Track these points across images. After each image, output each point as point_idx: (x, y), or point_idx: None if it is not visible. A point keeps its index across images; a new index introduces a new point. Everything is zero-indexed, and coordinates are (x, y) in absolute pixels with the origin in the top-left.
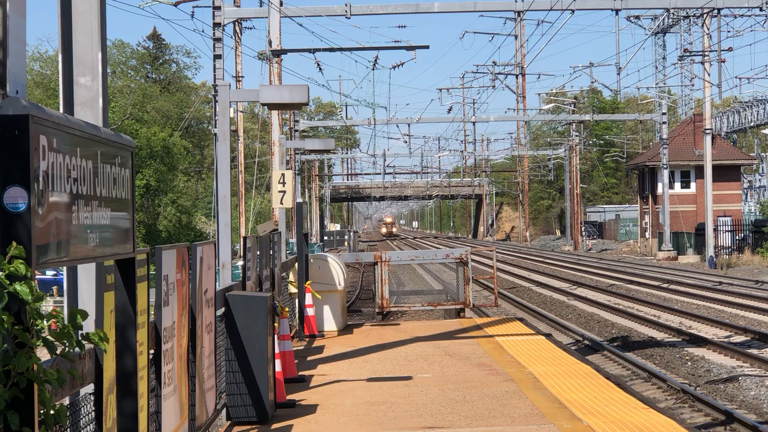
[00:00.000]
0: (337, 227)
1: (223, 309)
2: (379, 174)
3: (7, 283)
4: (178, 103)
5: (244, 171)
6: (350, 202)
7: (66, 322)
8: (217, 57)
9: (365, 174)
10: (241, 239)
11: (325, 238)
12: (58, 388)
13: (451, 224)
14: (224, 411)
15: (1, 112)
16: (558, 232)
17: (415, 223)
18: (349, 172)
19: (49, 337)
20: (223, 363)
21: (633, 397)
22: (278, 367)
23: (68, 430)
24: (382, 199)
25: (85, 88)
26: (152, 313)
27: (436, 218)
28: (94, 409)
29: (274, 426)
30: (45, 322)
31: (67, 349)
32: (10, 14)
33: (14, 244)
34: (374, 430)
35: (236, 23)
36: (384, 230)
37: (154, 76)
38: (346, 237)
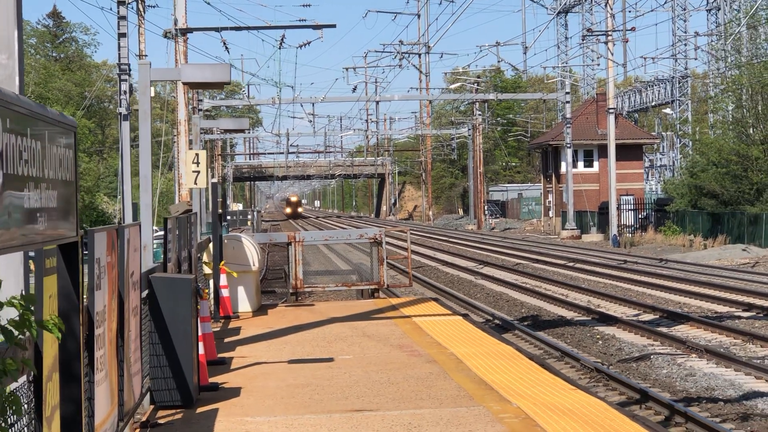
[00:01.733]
0: (240, 207)
1: (146, 291)
2: (283, 153)
3: None
4: (80, 82)
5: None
6: (253, 182)
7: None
8: (121, 35)
9: (268, 153)
10: (163, 220)
11: (228, 218)
12: (17, 378)
13: (354, 203)
14: (148, 396)
15: None
16: (461, 211)
17: (317, 203)
18: (252, 152)
19: (8, 326)
20: (146, 347)
21: (558, 377)
22: (201, 350)
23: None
24: (285, 178)
25: (2, 66)
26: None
27: (339, 197)
28: (33, 398)
29: (200, 410)
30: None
31: (23, 337)
32: None
33: None
34: (301, 413)
35: (140, 1)
36: (288, 210)
37: (54, 54)
38: (249, 217)
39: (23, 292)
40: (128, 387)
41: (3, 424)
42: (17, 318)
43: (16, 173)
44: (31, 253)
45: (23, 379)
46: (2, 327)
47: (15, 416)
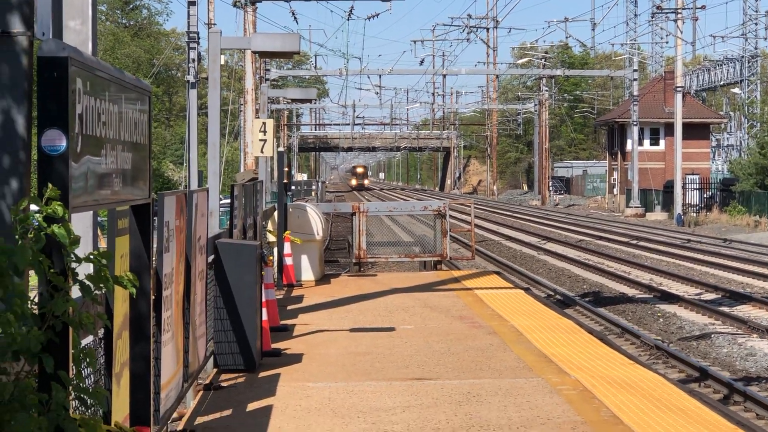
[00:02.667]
0: (304, 177)
1: (212, 257)
2: (348, 125)
3: (45, 225)
4: (149, 49)
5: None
6: (318, 153)
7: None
8: (191, 3)
9: (334, 124)
10: (230, 187)
11: (293, 188)
12: (92, 332)
13: (418, 177)
14: (211, 359)
15: (42, 54)
16: (525, 187)
17: (381, 175)
18: (318, 122)
19: (86, 281)
20: (210, 311)
21: (617, 352)
22: (264, 316)
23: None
24: (350, 149)
25: (75, 32)
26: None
27: (403, 170)
28: (104, 353)
29: (262, 374)
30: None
31: (100, 292)
32: None
33: (50, 185)
34: (361, 380)
35: None
36: (354, 182)
37: (124, 21)
38: (313, 187)
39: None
40: (193, 349)
41: (77, 375)
42: (93, 274)
43: (94, 135)
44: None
45: (87, 339)
46: (80, 281)
47: (89, 369)
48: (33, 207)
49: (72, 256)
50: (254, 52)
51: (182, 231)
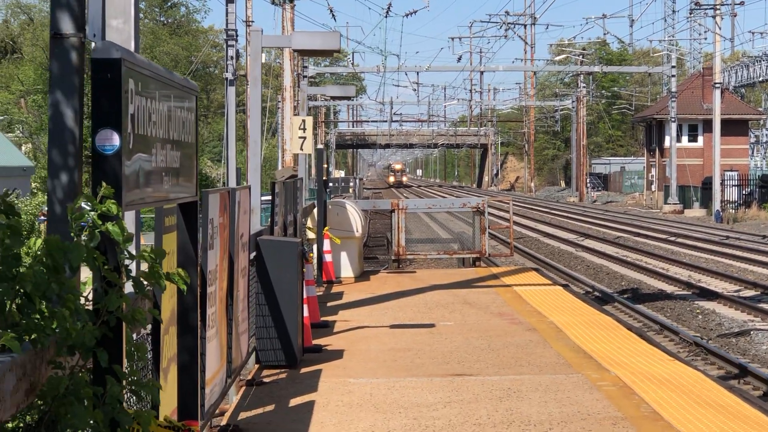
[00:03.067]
0: (342, 174)
1: (254, 253)
2: (386, 121)
3: (99, 222)
4: (187, 46)
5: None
6: (355, 149)
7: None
8: (229, 1)
9: (372, 121)
10: (270, 184)
11: (330, 184)
12: (145, 326)
13: (455, 173)
14: (253, 355)
15: (96, 55)
16: (563, 183)
17: (419, 172)
18: (355, 119)
19: (140, 277)
20: (253, 307)
21: (657, 348)
22: (305, 313)
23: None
24: (387, 146)
25: (117, 31)
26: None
27: (441, 167)
28: (151, 348)
29: (303, 370)
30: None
31: (152, 288)
32: None
33: (104, 184)
34: (402, 376)
35: None
36: (392, 179)
37: (163, 19)
38: (351, 184)
39: (136, 249)
40: (236, 345)
41: (130, 369)
42: (147, 270)
43: (145, 134)
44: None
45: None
46: (134, 278)
47: (140, 362)
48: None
49: (125, 253)
50: (295, 51)
51: (226, 228)
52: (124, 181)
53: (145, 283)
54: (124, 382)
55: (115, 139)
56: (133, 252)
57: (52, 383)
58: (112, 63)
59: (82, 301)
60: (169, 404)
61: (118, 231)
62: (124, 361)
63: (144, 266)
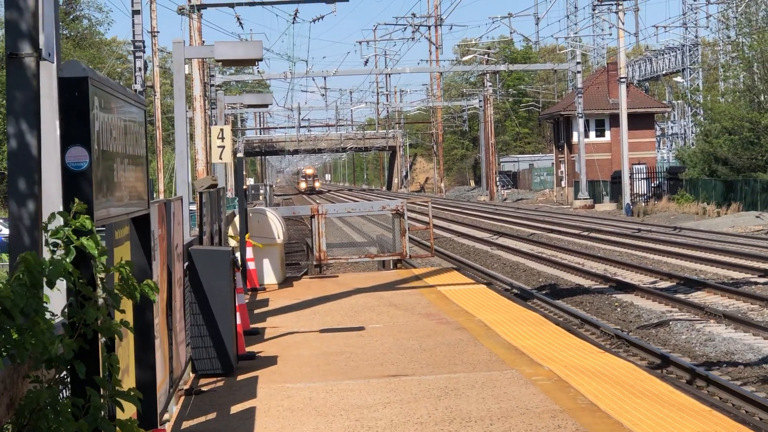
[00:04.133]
0: (251, 182)
1: (186, 263)
2: (294, 127)
3: (74, 238)
4: (91, 59)
5: (161, 127)
6: (264, 156)
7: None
8: (135, 12)
9: (280, 128)
10: (198, 195)
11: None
12: (121, 339)
13: (365, 177)
14: (190, 364)
15: (62, 75)
16: (472, 183)
17: (327, 176)
18: (263, 126)
19: (114, 290)
20: (187, 317)
21: (586, 341)
22: (238, 320)
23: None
24: (296, 152)
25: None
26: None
27: (350, 171)
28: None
29: (240, 378)
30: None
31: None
32: None
33: (77, 200)
34: (339, 379)
35: None
36: (303, 185)
37: (66, 32)
38: (261, 191)
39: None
40: (176, 355)
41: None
42: (119, 283)
43: (108, 150)
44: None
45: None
46: (110, 290)
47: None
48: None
49: (100, 266)
50: (218, 61)
51: (164, 239)
52: (95, 197)
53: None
54: (104, 391)
55: (85, 157)
56: (118, 265)
57: (31, 397)
58: (79, 82)
59: (58, 315)
60: (125, 415)
61: (93, 245)
62: (101, 373)
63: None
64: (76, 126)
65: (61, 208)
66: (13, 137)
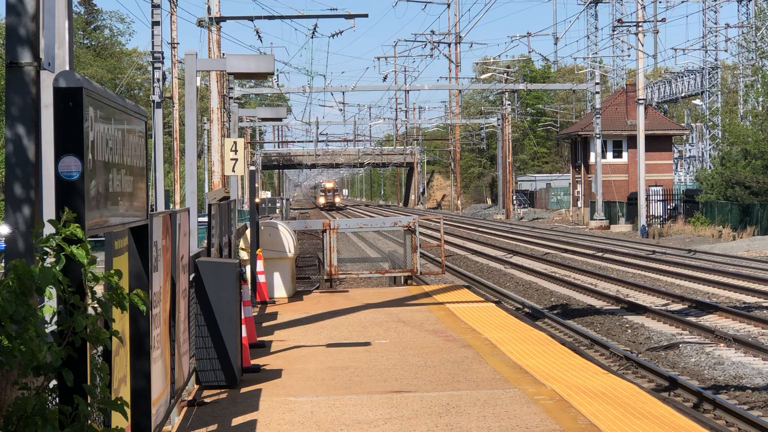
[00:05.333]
0: (268, 195)
1: (192, 275)
2: (311, 141)
3: (65, 246)
4: (111, 69)
5: (178, 138)
6: (281, 170)
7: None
8: (155, 24)
9: (298, 141)
10: (207, 207)
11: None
12: (110, 347)
13: (382, 192)
14: (193, 375)
15: (58, 84)
16: (489, 201)
17: (345, 191)
18: (281, 140)
19: (103, 298)
20: (192, 328)
21: (591, 362)
22: (243, 333)
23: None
24: (313, 166)
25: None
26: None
27: (367, 186)
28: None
29: (244, 390)
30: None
31: (120, 310)
32: None
33: (67, 209)
34: (342, 394)
35: None
36: (322, 200)
37: (87, 41)
38: (278, 205)
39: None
40: (178, 366)
41: (92, 389)
42: (108, 292)
43: (103, 160)
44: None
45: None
46: (99, 299)
47: (102, 383)
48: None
49: (90, 275)
50: (230, 73)
51: (168, 250)
52: (87, 206)
53: (109, 304)
54: (91, 399)
55: (78, 166)
56: (107, 274)
57: (18, 404)
58: (74, 92)
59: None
60: (120, 423)
61: (83, 254)
62: (89, 381)
63: (98, 288)
64: (69, 136)
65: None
66: (10, 143)
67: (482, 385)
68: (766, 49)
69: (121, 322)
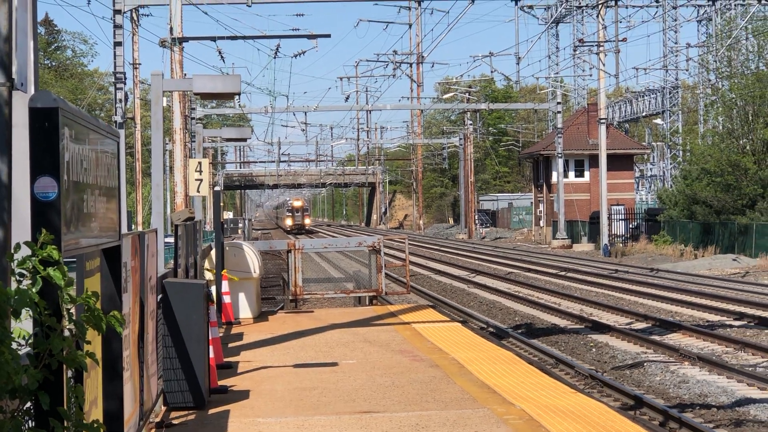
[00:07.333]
0: (230, 215)
1: (160, 296)
2: (274, 162)
3: (41, 268)
4: (73, 89)
5: (141, 159)
6: (243, 190)
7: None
8: (117, 44)
9: (260, 162)
10: (174, 227)
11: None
12: (87, 370)
13: (344, 212)
14: (161, 397)
15: (33, 104)
16: (451, 221)
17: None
18: (243, 160)
19: (80, 320)
20: (160, 349)
21: (559, 381)
22: (211, 353)
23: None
24: (276, 186)
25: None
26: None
27: (329, 206)
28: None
29: (211, 411)
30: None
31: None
32: (17, 8)
33: (44, 231)
34: (310, 414)
35: (134, 10)
36: (289, 222)
37: (48, 62)
38: (240, 225)
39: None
40: (147, 388)
41: (67, 412)
42: (86, 314)
43: (78, 180)
44: None
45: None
46: (76, 321)
47: (77, 406)
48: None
49: (67, 297)
50: (196, 94)
51: (137, 271)
52: (63, 227)
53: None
54: (68, 423)
55: (54, 188)
56: (84, 296)
57: None
58: (49, 112)
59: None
60: None
61: (60, 276)
62: (65, 404)
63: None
64: (45, 156)
65: (29, 238)
66: None
67: (451, 405)
68: (724, 70)
69: (94, 343)
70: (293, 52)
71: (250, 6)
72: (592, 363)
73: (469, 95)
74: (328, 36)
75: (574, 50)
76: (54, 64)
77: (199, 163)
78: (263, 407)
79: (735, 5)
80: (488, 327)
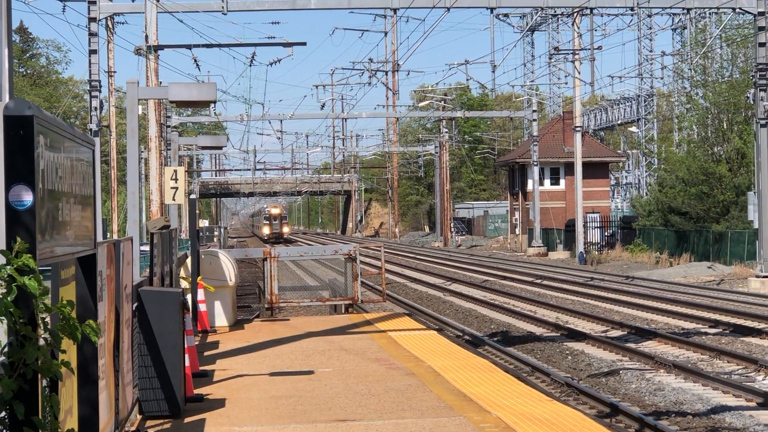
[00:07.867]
0: (206, 223)
1: (135, 304)
2: (249, 170)
3: (17, 276)
4: (47, 97)
5: (116, 167)
6: (219, 198)
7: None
8: (92, 52)
9: (235, 170)
10: (149, 235)
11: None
12: (61, 379)
13: (319, 220)
14: (136, 405)
15: (8, 112)
16: (427, 229)
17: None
18: (219, 168)
19: (55, 329)
20: (135, 358)
21: (535, 389)
22: (187, 362)
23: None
24: (251, 194)
25: None
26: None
27: (305, 214)
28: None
29: (187, 420)
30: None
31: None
32: None
33: (19, 239)
34: (286, 423)
35: (109, 18)
36: (267, 230)
37: (22, 70)
38: (216, 233)
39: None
40: (122, 396)
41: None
42: (61, 323)
43: (53, 188)
44: None
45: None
46: (52, 330)
47: (52, 415)
48: None
49: (42, 306)
50: (171, 102)
51: (112, 280)
52: (38, 236)
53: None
54: None
55: (29, 195)
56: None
57: None
58: (24, 120)
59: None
60: None
61: (35, 285)
62: (40, 413)
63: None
64: (20, 164)
65: (4, 247)
66: None
67: (427, 413)
68: (698, 78)
69: (70, 352)
70: (269, 60)
71: (225, 14)
72: (568, 371)
73: (444, 103)
74: (304, 44)
75: (550, 58)
76: (29, 71)
77: (175, 171)
78: (239, 416)
79: (709, 14)
80: (464, 335)
